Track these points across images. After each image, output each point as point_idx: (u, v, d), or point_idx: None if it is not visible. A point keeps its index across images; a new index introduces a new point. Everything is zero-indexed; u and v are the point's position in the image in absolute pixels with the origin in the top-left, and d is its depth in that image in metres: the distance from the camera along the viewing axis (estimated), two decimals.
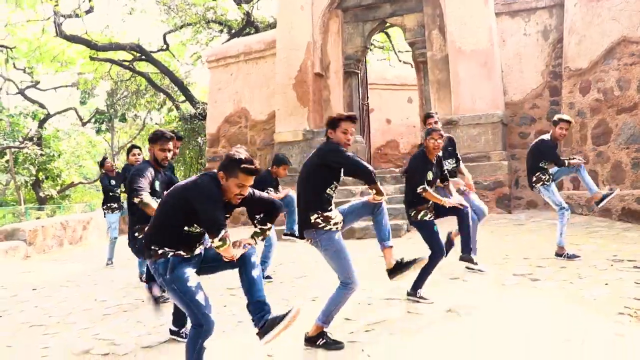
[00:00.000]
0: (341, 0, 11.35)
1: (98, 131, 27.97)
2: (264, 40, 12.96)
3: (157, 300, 3.70)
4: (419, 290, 4.26)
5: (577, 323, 3.48)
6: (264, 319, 2.79)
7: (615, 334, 3.24)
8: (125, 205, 7.30)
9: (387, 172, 10.55)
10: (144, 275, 5.45)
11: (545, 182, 5.44)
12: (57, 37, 18.63)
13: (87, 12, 18.74)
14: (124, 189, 6.37)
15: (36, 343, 3.96)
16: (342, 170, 3.40)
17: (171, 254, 2.86)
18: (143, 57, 19.96)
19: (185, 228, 2.85)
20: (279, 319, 2.75)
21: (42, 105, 24.67)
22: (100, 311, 4.80)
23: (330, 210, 3.37)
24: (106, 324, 4.36)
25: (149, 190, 4.00)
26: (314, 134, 11.00)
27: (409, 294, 4.29)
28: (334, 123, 3.42)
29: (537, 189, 5.51)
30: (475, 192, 5.39)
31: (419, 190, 4.23)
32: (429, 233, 4.22)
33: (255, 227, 3.14)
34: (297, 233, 5.91)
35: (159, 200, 4.12)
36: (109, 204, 7.54)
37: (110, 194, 7.54)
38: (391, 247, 3.53)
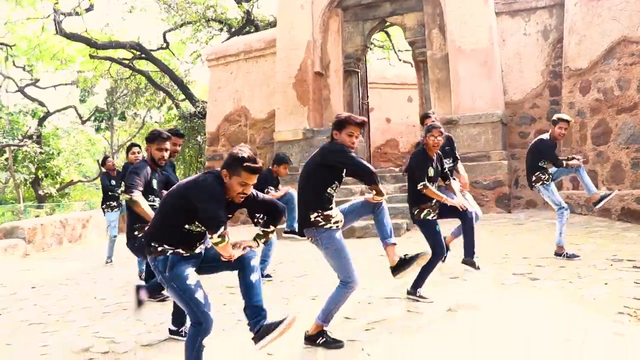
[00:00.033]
0: None
1: (97, 129, 27.91)
2: (264, 39, 12.95)
3: (140, 304, 3.70)
4: (418, 290, 4.26)
5: (577, 323, 3.48)
6: (259, 324, 2.79)
7: (614, 334, 3.24)
8: (124, 203, 7.30)
9: (386, 171, 10.55)
10: (144, 274, 5.46)
11: (545, 182, 5.44)
12: (57, 35, 18.61)
13: (87, 10, 18.73)
14: (123, 188, 6.38)
15: (35, 341, 3.95)
16: (345, 170, 3.39)
17: (170, 251, 2.85)
18: (143, 55, 19.95)
19: (186, 227, 2.84)
20: (274, 325, 2.75)
21: (41, 103, 24.64)
22: (100, 309, 4.79)
23: (331, 209, 3.36)
24: (106, 322, 4.36)
25: (142, 189, 4.00)
26: (314, 133, 11.00)
27: (409, 293, 4.30)
28: (340, 124, 3.40)
29: (537, 188, 5.51)
30: (469, 191, 5.39)
31: (419, 187, 4.23)
32: (431, 232, 4.22)
33: (256, 225, 3.14)
34: (297, 230, 5.92)
35: (156, 200, 4.13)
36: (108, 203, 7.56)
37: (110, 193, 7.56)
38: (394, 244, 3.52)
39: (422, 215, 4.26)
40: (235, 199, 2.85)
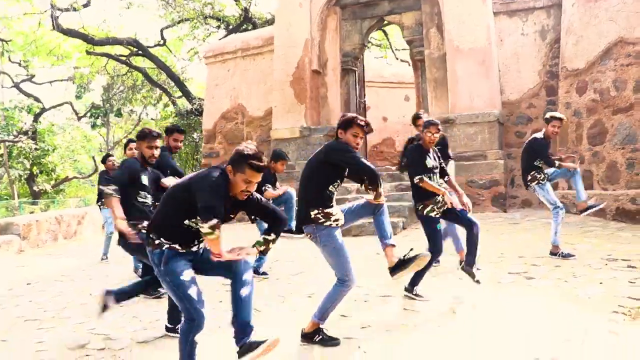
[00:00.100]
0: None
1: (93, 126, 27.84)
2: (261, 37, 12.93)
3: (105, 308, 3.72)
4: (415, 288, 4.27)
5: (576, 322, 3.50)
6: (243, 341, 2.78)
7: (609, 332, 3.26)
8: None
9: (383, 170, 10.56)
10: (140, 270, 5.45)
11: (541, 181, 5.46)
12: (53, 31, 18.55)
13: (85, 5, 18.66)
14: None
15: (31, 337, 3.95)
16: (347, 169, 3.39)
17: (166, 246, 2.85)
18: (140, 52, 19.89)
19: (186, 222, 2.83)
20: (256, 344, 2.73)
21: (37, 99, 24.54)
22: (96, 306, 4.76)
23: (332, 207, 3.36)
24: (101, 318, 4.34)
25: (117, 186, 4.01)
26: (311, 131, 11.00)
27: (406, 289, 4.31)
28: (347, 124, 3.39)
29: (532, 187, 5.54)
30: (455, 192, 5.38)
31: (415, 180, 4.24)
32: (430, 230, 4.23)
33: (253, 222, 3.13)
34: (294, 229, 5.91)
35: (148, 196, 4.10)
36: (104, 199, 7.53)
37: None
38: (393, 245, 3.48)
39: (425, 212, 4.25)
40: (239, 196, 2.84)
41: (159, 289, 4.61)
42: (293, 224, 5.70)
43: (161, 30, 20.72)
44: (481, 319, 3.71)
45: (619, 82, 7.94)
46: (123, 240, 4.13)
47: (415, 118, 5.74)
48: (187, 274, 2.83)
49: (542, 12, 10.27)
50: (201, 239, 2.92)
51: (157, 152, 4.16)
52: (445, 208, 4.26)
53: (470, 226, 4.23)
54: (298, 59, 11.23)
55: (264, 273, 5.50)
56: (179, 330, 3.63)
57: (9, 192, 24.38)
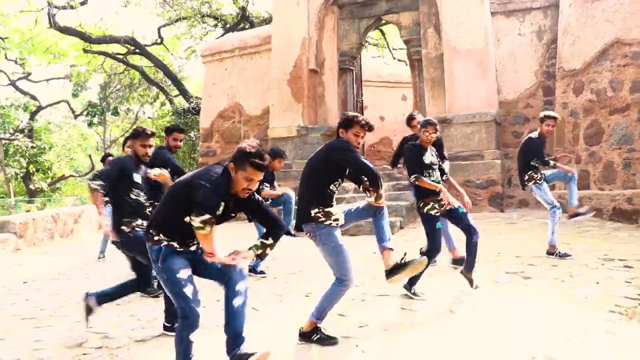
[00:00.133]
0: None
1: (90, 124, 27.73)
2: (259, 35, 12.91)
3: (89, 311, 3.77)
4: (413, 287, 4.28)
5: (572, 322, 3.52)
6: (234, 352, 2.80)
7: (606, 332, 3.28)
8: None
9: (380, 169, 10.55)
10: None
11: (538, 181, 5.48)
12: (50, 29, 18.49)
13: (82, 3, 18.60)
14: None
15: (28, 336, 3.94)
16: (348, 169, 3.38)
17: (165, 243, 2.85)
18: (137, 50, 19.84)
19: (187, 219, 2.82)
20: (247, 356, 2.74)
21: (33, 97, 24.46)
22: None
23: (332, 206, 3.37)
24: (99, 317, 4.33)
25: (106, 182, 4.02)
26: (308, 130, 11.00)
27: (404, 287, 4.32)
28: (348, 123, 3.39)
29: (530, 187, 5.55)
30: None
31: (411, 179, 4.26)
32: (430, 228, 4.24)
33: (250, 221, 3.12)
34: (292, 232, 5.92)
35: (141, 194, 4.08)
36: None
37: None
38: (391, 249, 3.46)
39: (425, 209, 4.26)
40: (240, 194, 2.84)
41: (147, 290, 4.60)
42: (291, 228, 5.74)
43: (158, 29, 20.69)
44: (479, 319, 3.72)
45: (616, 83, 7.97)
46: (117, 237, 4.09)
47: (410, 119, 5.81)
48: (184, 272, 2.84)
49: (539, 13, 10.29)
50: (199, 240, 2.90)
51: (150, 151, 4.15)
52: (448, 208, 4.27)
53: (470, 234, 4.25)
54: (295, 58, 11.23)
55: (262, 272, 5.50)
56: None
57: (5, 191, 24.31)
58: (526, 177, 5.53)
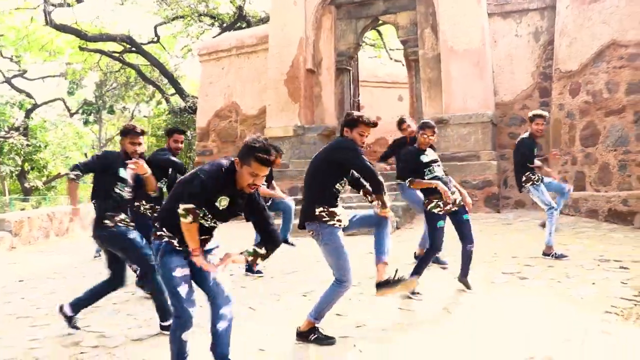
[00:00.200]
0: None
1: (85, 122, 27.61)
2: (256, 35, 12.90)
3: (70, 320, 3.83)
4: None
5: (568, 323, 3.53)
6: None
7: (602, 332, 3.29)
8: None
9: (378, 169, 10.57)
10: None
11: (535, 182, 5.49)
12: (46, 26, 18.40)
13: (78, 1, 18.55)
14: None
15: (24, 335, 3.92)
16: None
17: (166, 239, 2.84)
18: (133, 48, 19.79)
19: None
20: None
21: (29, 95, 24.32)
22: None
23: (337, 206, 3.36)
24: (95, 316, 4.33)
25: (85, 172, 4.04)
26: (305, 130, 11.00)
27: None
28: (353, 123, 3.40)
29: (527, 188, 5.56)
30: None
31: (406, 183, 4.31)
32: (432, 226, 4.27)
33: (248, 221, 3.09)
34: (289, 241, 5.94)
35: (126, 188, 4.04)
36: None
37: None
38: (386, 263, 3.44)
39: (429, 207, 4.28)
40: (245, 190, 2.82)
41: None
42: (288, 236, 5.77)
43: (155, 27, 20.62)
44: (477, 319, 3.73)
45: (612, 85, 8.00)
46: (99, 231, 3.99)
47: (400, 122, 5.85)
48: (180, 271, 2.82)
49: (536, 14, 10.33)
50: (201, 238, 2.85)
51: (140, 149, 4.13)
52: (453, 209, 4.28)
53: (465, 243, 4.32)
54: (292, 57, 11.22)
55: (259, 271, 5.49)
56: None
57: None
58: (524, 178, 5.53)
